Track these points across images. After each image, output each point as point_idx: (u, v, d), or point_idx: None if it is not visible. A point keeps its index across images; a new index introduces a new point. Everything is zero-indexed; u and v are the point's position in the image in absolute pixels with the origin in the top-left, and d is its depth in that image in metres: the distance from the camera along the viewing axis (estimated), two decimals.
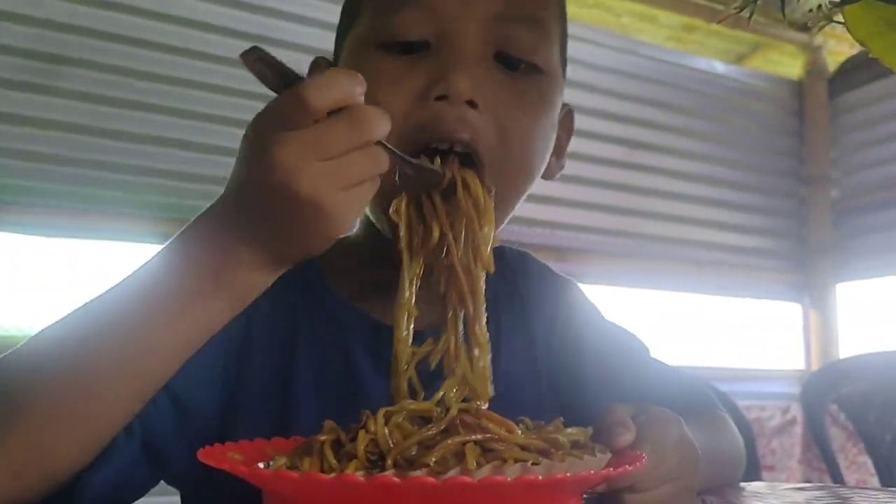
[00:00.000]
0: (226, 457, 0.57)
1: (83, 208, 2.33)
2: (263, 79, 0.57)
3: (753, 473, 1.40)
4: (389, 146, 0.60)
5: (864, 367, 1.91)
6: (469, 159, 0.71)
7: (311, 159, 0.55)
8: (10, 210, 2.25)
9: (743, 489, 0.83)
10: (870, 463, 1.91)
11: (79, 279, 2.36)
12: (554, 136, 0.81)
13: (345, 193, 0.57)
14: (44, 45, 2.33)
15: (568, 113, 0.88)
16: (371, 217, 0.79)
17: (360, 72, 0.70)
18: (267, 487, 0.53)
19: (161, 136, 2.44)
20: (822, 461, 2.15)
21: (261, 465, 0.58)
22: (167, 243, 0.62)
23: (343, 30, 0.82)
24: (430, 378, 0.64)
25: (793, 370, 3.59)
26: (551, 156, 0.82)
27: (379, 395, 0.65)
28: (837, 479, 1.88)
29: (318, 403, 0.74)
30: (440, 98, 0.70)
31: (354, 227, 0.83)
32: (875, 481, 1.94)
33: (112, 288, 0.62)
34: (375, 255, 0.79)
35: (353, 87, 0.57)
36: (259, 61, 0.56)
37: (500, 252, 0.90)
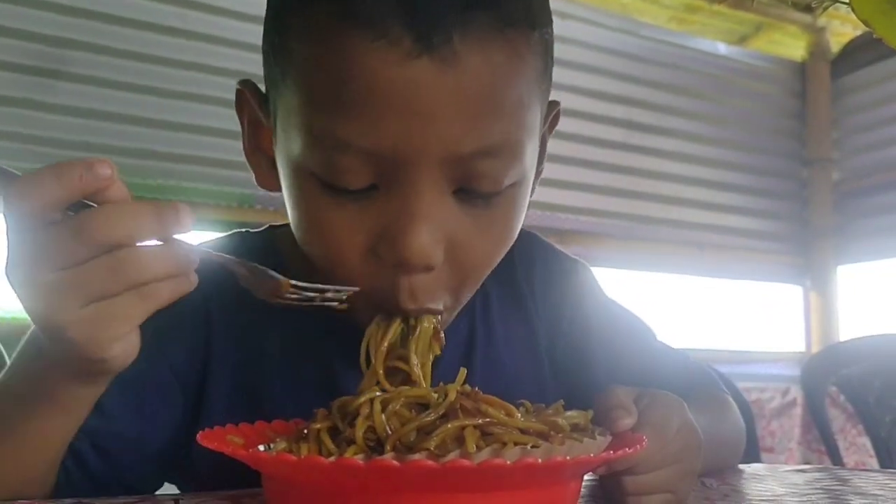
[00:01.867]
0: (225, 440, 0.57)
1: None
2: None
3: (753, 455, 1.40)
4: (204, 250, 0.53)
5: (864, 350, 1.91)
6: None
7: (39, 273, 0.48)
8: None
9: (742, 471, 0.83)
10: (869, 444, 1.92)
11: None
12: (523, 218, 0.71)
13: (86, 311, 0.49)
14: (36, 60, 2.33)
15: (556, 113, 0.77)
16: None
17: (299, 196, 0.64)
18: (266, 471, 0.53)
19: (155, 151, 2.44)
20: (821, 443, 2.15)
21: (261, 447, 0.58)
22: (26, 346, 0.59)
23: (271, 72, 0.67)
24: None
25: (793, 352, 3.60)
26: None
27: (351, 386, 0.63)
28: (837, 460, 1.88)
29: (293, 405, 0.73)
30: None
31: None
32: (874, 463, 1.95)
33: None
34: None
35: (59, 188, 0.48)
36: None
37: None
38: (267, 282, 0.58)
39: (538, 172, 0.73)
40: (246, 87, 0.71)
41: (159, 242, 0.50)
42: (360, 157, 0.59)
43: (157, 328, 0.54)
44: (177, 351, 0.74)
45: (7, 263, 0.49)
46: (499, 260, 0.69)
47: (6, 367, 0.61)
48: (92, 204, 0.49)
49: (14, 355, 0.60)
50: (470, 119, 0.60)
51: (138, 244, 0.49)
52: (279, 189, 0.69)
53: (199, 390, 0.74)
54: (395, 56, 0.57)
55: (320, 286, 0.61)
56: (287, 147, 0.64)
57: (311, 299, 0.60)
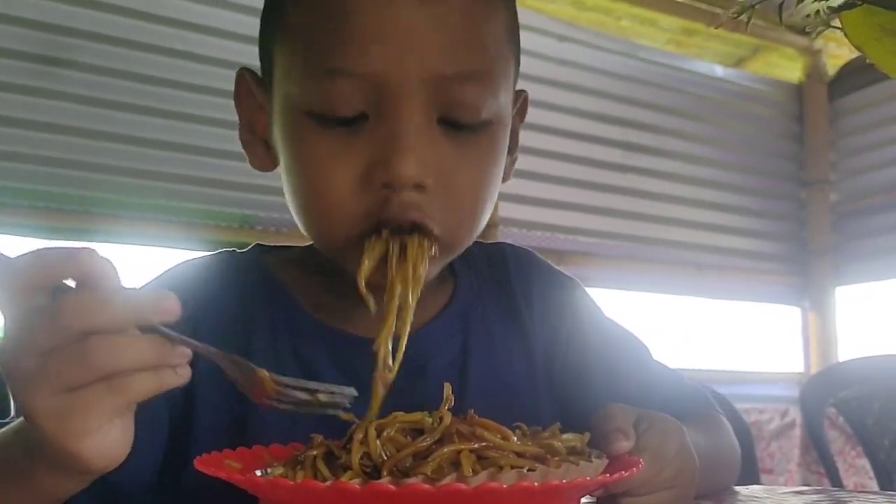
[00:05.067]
0: (223, 464, 0.57)
1: (77, 210, 2.34)
2: None
3: (752, 476, 1.40)
4: (179, 338, 0.50)
5: (863, 371, 1.91)
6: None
7: (19, 356, 0.47)
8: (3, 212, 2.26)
9: (739, 493, 0.83)
10: (868, 466, 1.91)
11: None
12: (502, 174, 0.76)
13: (56, 399, 0.47)
14: (36, 47, 2.33)
15: (523, 100, 0.82)
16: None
17: (294, 140, 0.69)
18: (263, 495, 0.53)
19: (155, 139, 2.44)
20: (820, 464, 2.15)
21: (258, 472, 0.58)
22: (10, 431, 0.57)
23: (266, 45, 0.75)
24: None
25: (792, 373, 3.59)
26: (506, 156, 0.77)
27: (351, 408, 0.63)
28: (836, 482, 1.87)
29: (282, 421, 0.73)
30: (385, 186, 0.65)
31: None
32: (873, 485, 1.94)
33: None
34: (336, 270, 0.77)
35: (39, 276, 0.48)
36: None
37: (500, 252, 0.90)
38: (250, 375, 0.54)
39: (513, 160, 0.80)
40: (246, 72, 0.78)
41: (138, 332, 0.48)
42: (351, 83, 0.65)
43: None
44: None
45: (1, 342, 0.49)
46: (485, 204, 0.72)
47: None
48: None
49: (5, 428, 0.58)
50: (451, 44, 0.67)
51: (113, 333, 0.47)
52: (272, 167, 0.76)
53: (188, 411, 0.74)
54: None
55: (309, 384, 0.56)
56: (284, 98, 0.70)
57: (300, 402, 0.56)
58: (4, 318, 0.48)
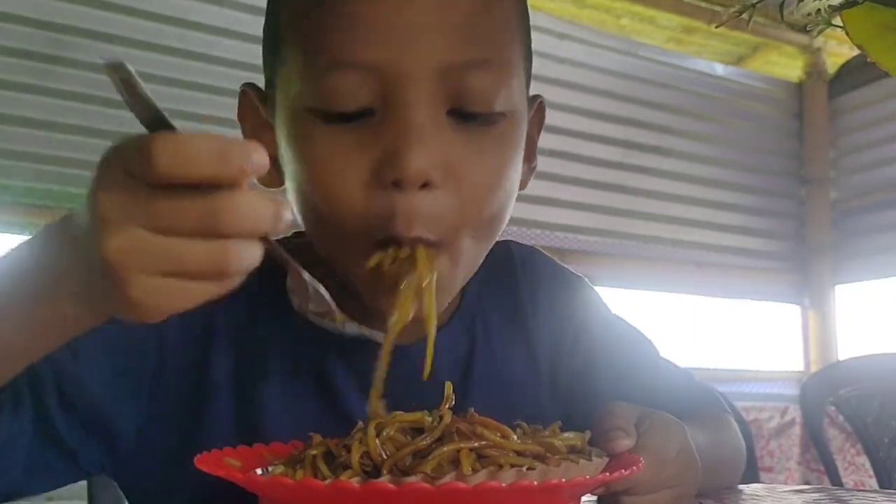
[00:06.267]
0: (223, 463, 0.57)
1: (77, 208, 2.33)
2: (127, 103, 0.46)
3: (752, 475, 1.40)
4: (283, 254, 0.52)
5: (862, 369, 1.90)
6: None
7: (131, 222, 0.44)
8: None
9: (741, 491, 0.83)
10: (868, 464, 1.91)
11: None
12: (520, 174, 0.73)
13: (158, 280, 0.45)
14: (36, 45, 2.33)
15: (539, 106, 0.79)
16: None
17: (298, 141, 0.67)
18: (263, 494, 0.53)
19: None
20: (820, 463, 2.15)
21: (258, 471, 0.58)
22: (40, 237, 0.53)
23: (270, 53, 0.73)
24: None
25: (791, 371, 3.59)
26: (523, 164, 0.75)
27: (359, 407, 0.63)
28: (836, 480, 1.87)
29: (288, 415, 0.73)
30: (395, 184, 0.63)
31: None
32: (873, 483, 1.94)
33: None
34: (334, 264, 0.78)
35: (217, 169, 0.43)
36: (125, 84, 0.45)
37: (505, 250, 0.89)
38: (321, 303, 0.58)
39: (531, 168, 0.78)
40: (248, 88, 0.75)
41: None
42: (356, 75, 0.63)
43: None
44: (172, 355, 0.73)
45: (101, 189, 0.46)
46: (494, 202, 0.69)
47: None
48: None
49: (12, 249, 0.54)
50: (459, 30, 0.64)
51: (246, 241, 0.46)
52: (280, 184, 0.72)
53: (196, 405, 0.73)
54: None
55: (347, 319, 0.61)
56: (288, 99, 0.67)
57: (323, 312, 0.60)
58: (123, 179, 0.45)
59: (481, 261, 0.73)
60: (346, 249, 0.67)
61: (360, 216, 0.64)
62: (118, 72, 0.45)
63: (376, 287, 0.66)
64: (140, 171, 0.44)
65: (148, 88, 0.46)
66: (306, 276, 0.57)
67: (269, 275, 0.73)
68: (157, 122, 0.46)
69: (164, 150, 0.43)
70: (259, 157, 0.44)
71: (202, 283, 0.46)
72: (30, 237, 0.53)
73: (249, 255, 0.46)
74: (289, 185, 0.71)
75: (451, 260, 0.68)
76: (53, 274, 0.49)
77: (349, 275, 0.69)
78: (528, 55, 0.75)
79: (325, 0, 0.66)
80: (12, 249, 0.53)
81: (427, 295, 0.64)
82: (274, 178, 0.73)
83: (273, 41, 0.72)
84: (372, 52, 0.63)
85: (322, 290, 0.57)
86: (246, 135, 0.75)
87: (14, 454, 0.64)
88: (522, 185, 0.76)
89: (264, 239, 0.47)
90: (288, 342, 0.75)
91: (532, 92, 0.80)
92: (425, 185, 0.63)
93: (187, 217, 0.44)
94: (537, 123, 0.79)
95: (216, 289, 0.46)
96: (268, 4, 0.75)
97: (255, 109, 0.74)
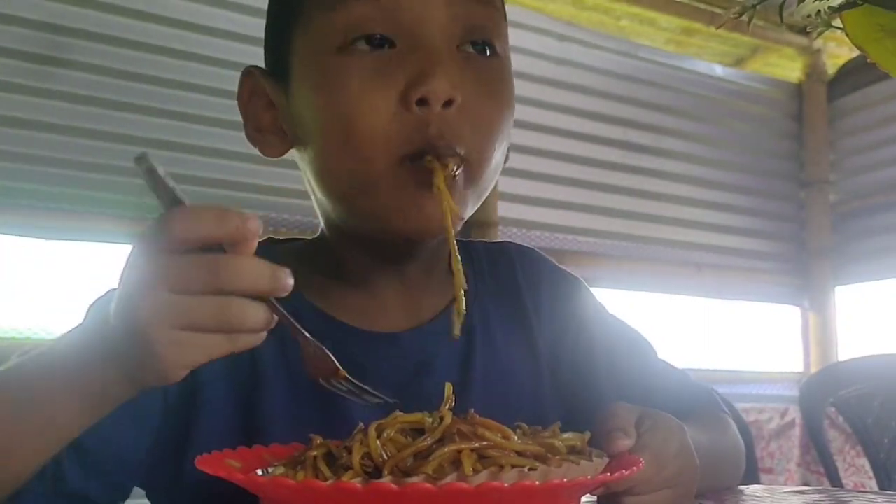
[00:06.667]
0: (223, 464, 0.57)
1: (77, 210, 2.33)
2: (152, 189, 0.55)
3: (752, 476, 1.40)
4: (287, 316, 0.56)
5: (862, 370, 1.90)
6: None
7: (155, 286, 0.52)
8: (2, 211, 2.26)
9: (741, 492, 0.83)
10: (868, 466, 1.91)
11: (68, 281, 2.36)
12: (512, 120, 0.79)
13: (179, 334, 0.53)
14: (35, 47, 2.33)
15: None
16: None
17: (323, 82, 0.72)
18: (264, 495, 0.53)
19: (155, 139, 2.44)
20: (820, 464, 2.15)
21: (258, 471, 0.58)
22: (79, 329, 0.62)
23: (282, 31, 0.78)
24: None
25: (791, 373, 3.59)
26: None
27: (353, 399, 0.64)
28: (836, 482, 1.87)
29: (290, 411, 0.73)
30: (420, 102, 0.69)
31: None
32: (873, 484, 1.94)
33: (29, 360, 0.62)
34: (343, 262, 0.78)
35: (217, 230, 0.53)
36: (148, 173, 0.54)
37: (505, 250, 0.90)
38: (326, 362, 0.61)
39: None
40: (254, 69, 0.80)
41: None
42: (379, 7, 0.70)
43: None
44: None
45: (128, 267, 0.54)
46: (499, 133, 0.75)
47: (17, 361, 0.62)
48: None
49: (39, 350, 0.62)
50: None
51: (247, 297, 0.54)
52: (284, 150, 0.79)
53: (190, 402, 0.74)
54: None
55: (366, 388, 0.62)
56: (308, 57, 0.74)
57: (357, 393, 0.62)
58: (150, 247, 0.53)
59: (484, 185, 0.76)
60: (375, 169, 0.71)
61: (389, 133, 0.69)
62: (143, 163, 0.54)
63: (405, 187, 0.70)
64: (158, 240, 0.53)
65: (169, 176, 0.55)
66: (310, 338, 0.60)
67: None
68: (175, 203, 0.54)
69: (175, 218, 0.52)
70: (252, 223, 0.53)
71: (215, 337, 0.53)
72: (78, 324, 0.62)
73: (252, 313, 0.54)
74: (312, 127, 0.75)
75: (470, 180, 0.73)
76: (95, 355, 0.57)
77: (376, 190, 0.72)
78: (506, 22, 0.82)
79: None
80: (64, 335, 0.62)
81: (445, 197, 0.69)
82: (280, 147, 0.79)
83: (288, 10, 0.77)
84: None
85: (326, 350, 0.61)
86: (246, 117, 0.80)
87: None
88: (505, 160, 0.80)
89: (271, 305, 0.55)
90: (282, 336, 0.76)
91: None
92: (448, 104, 0.70)
93: (196, 276, 0.52)
94: None
95: (228, 344, 0.54)
96: None
97: (257, 91, 0.79)
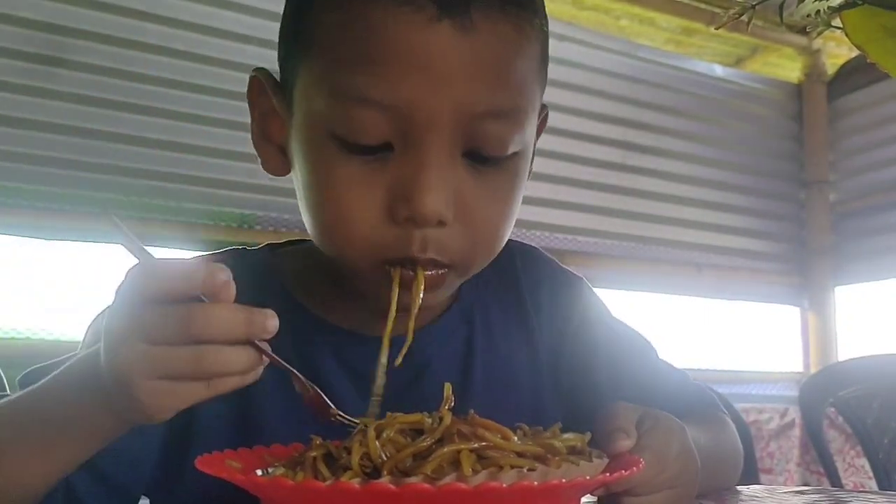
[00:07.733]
0: (223, 464, 0.57)
1: (77, 210, 2.33)
2: (120, 242, 0.57)
3: (752, 476, 1.40)
4: (268, 353, 0.57)
5: (862, 370, 1.90)
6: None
7: (132, 337, 0.54)
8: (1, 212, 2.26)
9: (741, 493, 0.83)
10: (868, 466, 1.91)
11: (68, 281, 2.35)
12: (521, 199, 0.76)
13: (157, 383, 0.54)
14: (35, 47, 2.33)
15: (545, 117, 0.80)
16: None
17: (315, 160, 0.69)
18: (263, 495, 0.53)
19: (155, 139, 2.44)
20: (820, 464, 2.15)
21: (258, 472, 0.58)
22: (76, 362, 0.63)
23: (291, 57, 0.73)
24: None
25: (791, 373, 3.59)
26: None
27: (350, 403, 0.64)
28: (835, 482, 1.88)
29: (284, 413, 0.73)
30: (408, 219, 0.66)
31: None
32: (873, 484, 1.94)
33: (31, 392, 0.63)
34: (338, 271, 0.77)
35: (184, 285, 0.54)
36: (115, 227, 0.56)
37: (506, 249, 0.90)
38: (323, 406, 0.61)
39: (529, 171, 0.78)
40: (260, 74, 0.76)
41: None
42: (379, 112, 0.65)
43: None
44: None
45: (109, 317, 0.55)
46: (504, 231, 0.73)
47: (26, 390, 0.63)
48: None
49: (40, 383, 0.63)
50: (482, 82, 0.66)
51: (224, 344, 0.54)
52: (285, 173, 0.75)
53: (189, 415, 0.74)
54: (419, 19, 0.64)
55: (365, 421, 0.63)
56: (307, 116, 0.69)
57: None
58: (124, 302, 0.55)
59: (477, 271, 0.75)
60: (355, 264, 0.70)
61: (372, 243, 0.67)
62: (107, 220, 0.56)
63: (382, 284, 0.69)
64: (131, 294, 0.54)
65: (130, 230, 0.57)
66: (306, 381, 0.61)
67: (266, 276, 0.74)
68: (139, 252, 0.56)
69: (145, 273, 0.54)
70: (220, 275, 0.54)
71: (195, 384, 0.54)
72: (73, 364, 0.62)
73: (232, 359, 0.54)
74: (301, 192, 0.73)
75: (459, 277, 0.72)
76: (90, 393, 0.58)
77: (355, 278, 0.72)
78: (544, 85, 0.76)
79: (354, 28, 0.66)
80: (61, 373, 0.62)
81: (410, 316, 0.68)
82: (280, 167, 0.76)
83: (293, 48, 0.72)
84: (397, 94, 0.64)
85: (318, 390, 0.61)
86: (253, 118, 0.77)
87: None
88: None
89: (255, 346, 0.55)
90: (278, 335, 0.76)
91: None
92: (439, 224, 0.66)
93: (170, 327, 0.53)
94: (539, 129, 0.79)
95: (205, 390, 0.54)
96: (292, 8, 0.75)
97: (264, 93, 0.76)
